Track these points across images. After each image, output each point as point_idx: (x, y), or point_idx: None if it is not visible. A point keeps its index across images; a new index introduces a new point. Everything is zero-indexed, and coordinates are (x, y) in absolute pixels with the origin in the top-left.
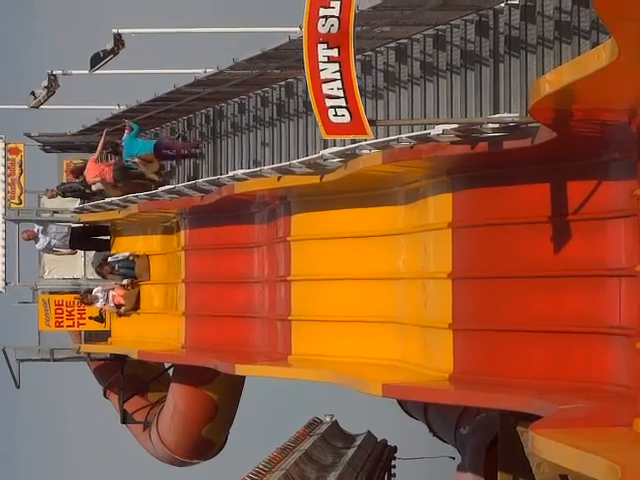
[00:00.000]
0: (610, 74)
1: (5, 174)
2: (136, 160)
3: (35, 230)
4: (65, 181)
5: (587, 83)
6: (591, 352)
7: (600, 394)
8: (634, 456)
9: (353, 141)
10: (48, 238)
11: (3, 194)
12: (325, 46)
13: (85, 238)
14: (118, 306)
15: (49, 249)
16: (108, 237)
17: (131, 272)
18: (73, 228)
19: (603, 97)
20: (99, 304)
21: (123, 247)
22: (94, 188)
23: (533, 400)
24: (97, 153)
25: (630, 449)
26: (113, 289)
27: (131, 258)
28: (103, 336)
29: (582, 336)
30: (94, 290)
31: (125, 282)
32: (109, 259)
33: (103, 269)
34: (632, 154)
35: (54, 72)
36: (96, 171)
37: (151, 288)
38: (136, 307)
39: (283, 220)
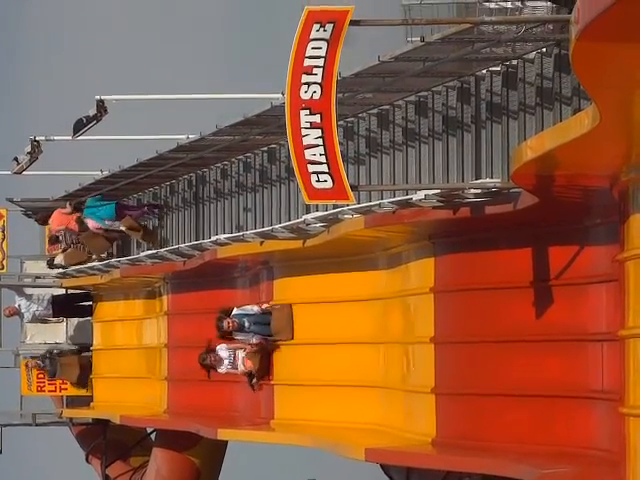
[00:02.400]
0: (592, 140)
1: None
2: (122, 228)
3: (16, 306)
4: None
5: (569, 149)
6: (574, 417)
7: (583, 459)
8: None
9: (335, 206)
10: (33, 307)
11: None
12: (307, 112)
13: (68, 304)
14: (250, 373)
15: (36, 319)
16: (91, 303)
17: (266, 329)
18: (55, 296)
19: (585, 163)
20: (223, 369)
21: (105, 313)
22: (56, 260)
23: (516, 464)
24: (67, 209)
25: None
26: (244, 350)
27: (266, 310)
28: (85, 401)
29: (565, 400)
30: (218, 348)
31: (254, 340)
32: (234, 312)
33: (225, 324)
34: (614, 219)
35: (37, 138)
36: (62, 220)
37: (133, 352)
38: (265, 373)
39: (266, 285)
